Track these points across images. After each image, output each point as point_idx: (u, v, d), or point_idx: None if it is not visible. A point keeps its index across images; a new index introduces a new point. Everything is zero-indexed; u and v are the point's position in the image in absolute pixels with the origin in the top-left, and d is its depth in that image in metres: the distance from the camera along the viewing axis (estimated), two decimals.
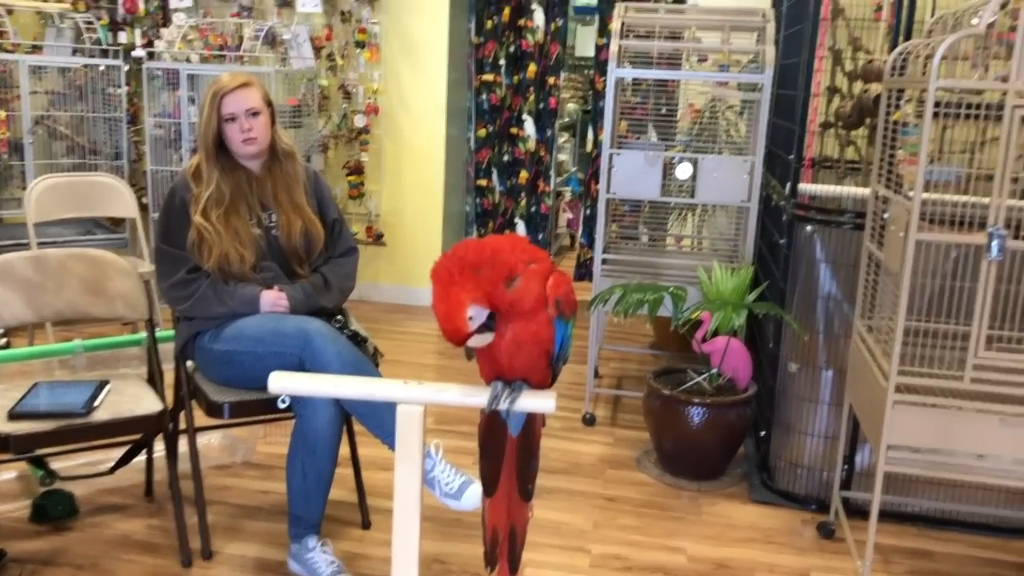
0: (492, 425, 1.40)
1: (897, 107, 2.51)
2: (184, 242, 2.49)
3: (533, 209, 5.54)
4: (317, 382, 1.34)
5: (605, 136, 3.44)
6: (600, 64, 5.25)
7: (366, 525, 2.70)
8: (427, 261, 4.88)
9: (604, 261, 3.52)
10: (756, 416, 3.13)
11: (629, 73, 3.41)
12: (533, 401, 1.32)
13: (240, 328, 2.44)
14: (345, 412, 2.42)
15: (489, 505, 1.45)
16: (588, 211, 5.38)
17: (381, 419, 2.33)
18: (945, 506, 2.77)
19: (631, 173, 3.36)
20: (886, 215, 2.39)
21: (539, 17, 5.27)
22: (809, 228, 2.86)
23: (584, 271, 5.37)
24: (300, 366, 2.35)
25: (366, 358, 2.46)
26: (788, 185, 3.00)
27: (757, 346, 3.33)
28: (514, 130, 5.44)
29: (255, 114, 2.50)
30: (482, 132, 5.41)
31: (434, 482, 2.34)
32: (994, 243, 1.99)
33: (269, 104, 2.56)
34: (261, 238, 2.54)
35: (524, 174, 5.47)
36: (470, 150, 5.47)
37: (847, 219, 2.82)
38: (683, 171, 3.28)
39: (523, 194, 5.51)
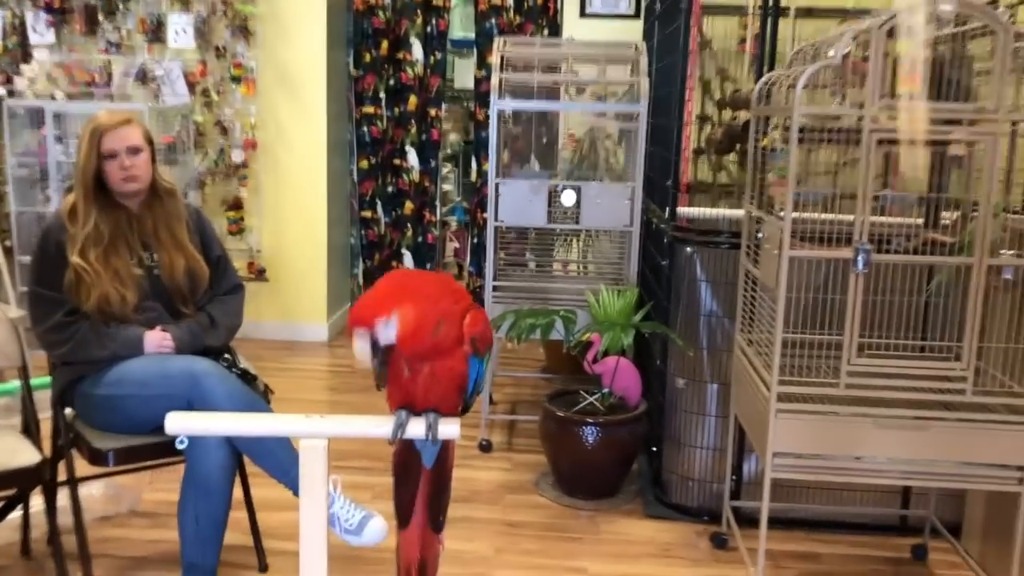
0: (406, 457, 1.41)
1: (765, 133, 2.65)
2: (60, 284, 2.39)
3: (420, 239, 5.55)
4: (217, 421, 1.32)
5: (490, 166, 3.49)
6: (480, 96, 5.33)
7: (263, 568, 2.63)
8: (311, 295, 4.79)
9: (495, 288, 3.56)
10: (647, 432, 3.22)
11: (511, 105, 3.48)
12: (441, 428, 1.33)
13: (123, 371, 2.36)
14: (237, 453, 2.36)
15: (402, 538, 1.45)
16: (476, 240, 5.43)
17: (277, 458, 2.30)
18: (828, 509, 2.90)
19: (518, 201, 3.42)
20: (760, 235, 2.51)
21: (417, 50, 5.31)
22: (689, 249, 2.98)
23: (478, 299, 5.39)
24: (189, 408, 2.28)
25: (258, 397, 2.42)
26: (667, 209, 3.12)
27: (645, 364, 3.43)
28: (397, 161, 5.45)
29: (136, 151, 2.43)
30: (364, 164, 5.40)
31: (334, 518, 2.31)
32: (860, 257, 2.13)
33: (150, 141, 2.50)
34: (143, 278, 2.47)
35: (409, 205, 5.48)
36: (353, 182, 5.44)
37: (724, 240, 2.95)
38: (567, 198, 3.36)
39: (409, 225, 5.51)
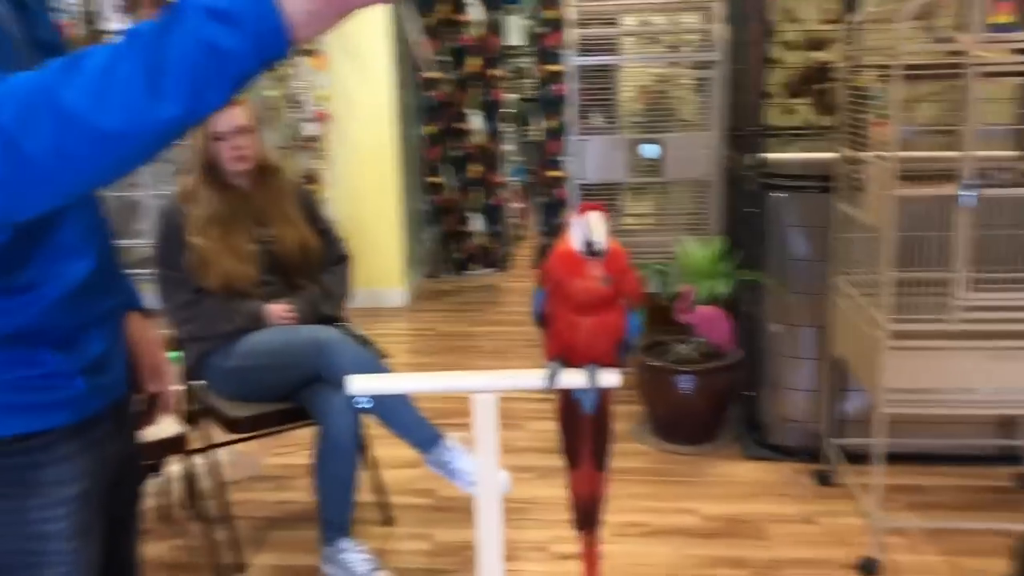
0: (568, 405, 1.50)
1: (857, 73, 2.66)
2: (183, 264, 2.50)
3: (488, 202, 5.62)
4: (395, 381, 1.41)
5: (570, 124, 3.52)
6: (542, 52, 5.34)
7: (388, 522, 2.76)
8: (389, 262, 4.88)
9: None
10: (742, 378, 3.27)
11: (590, 60, 3.51)
12: (602, 377, 1.41)
13: (251, 344, 2.48)
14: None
15: (573, 477, 1.55)
16: (545, 199, 5.47)
17: (402, 419, 2.41)
18: (927, 442, 2.94)
19: (600, 158, 3.46)
20: (857, 176, 2.54)
21: (475, 11, 5.34)
22: (779, 195, 3.01)
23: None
24: (317, 375, 2.41)
25: (379, 361, 2.52)
26: (752, 155, 3.14)
27: (733, 312, 3.47)
28: (462, 125, 5.51)
29: (244, 132, 2.53)
30: (431, 129, 5.46)
31: (458, 473, 2.42)
32: (967, 193, 2.15)
33: (256, 122, 2.59)
34: (260, 253, 2.57)
35: (475, 167, 5.55)
36: (421, 148, 5.52)
37: (813, 183, 2.97)
38: (650, 151, 3.40)
39: (476, 188, 5.58)
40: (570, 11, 3.50)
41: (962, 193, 2.18)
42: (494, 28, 5.38)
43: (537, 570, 2.50)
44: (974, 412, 2.32)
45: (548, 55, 5.28)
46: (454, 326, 4.92)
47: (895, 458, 2.93)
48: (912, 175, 2.31)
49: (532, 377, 1.43)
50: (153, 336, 1.43)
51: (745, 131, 3.43)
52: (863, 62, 2.60)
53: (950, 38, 2.29)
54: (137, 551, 1.43)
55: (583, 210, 1.37)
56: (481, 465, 1.44)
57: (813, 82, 3.65)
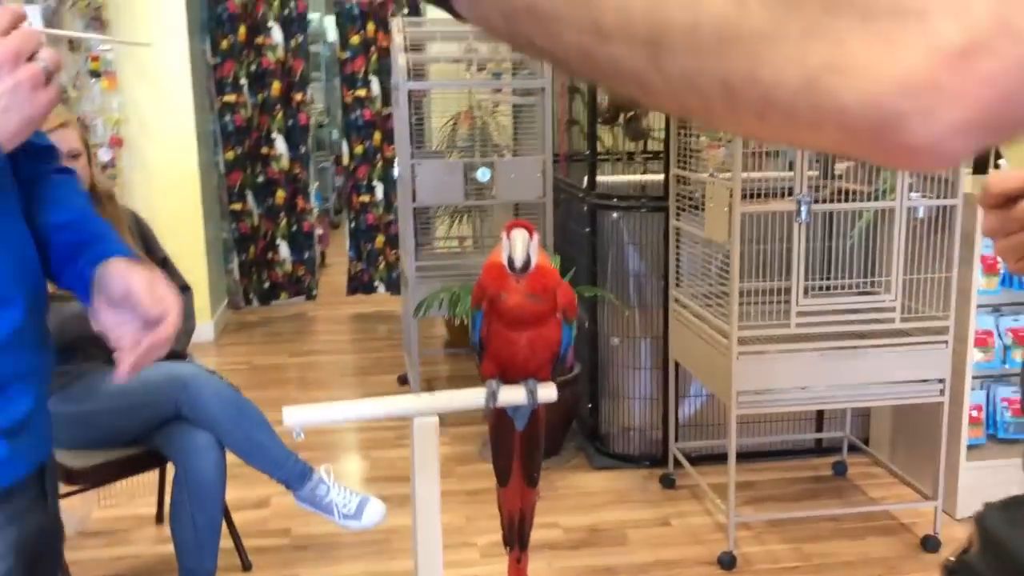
0: (500, 422, 1.50)
1: None
2: None
3: (295, 228, 5.46)
4: (335, 410, 1.35)
5: (402, 148, 3.51)
6: (347, 77, 5.28)
7: (247, 566, 2.60)
8: (194, 296, 4.59)
9: (417, 268, 3.61)
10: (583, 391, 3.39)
11: (421, 85, 3.52)
12: (540, 392, 1.43)
13: (94, 385, 2.27)
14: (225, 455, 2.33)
15: (503, 494, 1.55)
16: (353, 225, 5.39)
17: (270, 454, 2.30)
18: (757, 440, 3.19)
19: (433, 181, 3.47)
20: (697, 195, 2.72)
21: (277, 34, 5.20)
22: (614, 215, 3.16)
23: (358, 284, 5.37)
24: (176, 414, 2.25)
25: (240, 394, 2.39)
26: (585, 178, 3.29)
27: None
28: (265, 150, 5.32)
29: (75, 156, 2.32)
30: (230, 155, 5.24)
31: (331, 507, 2.34)
32: (802, 208, 2.37)
33: (87, 145, 2.39)
34: None
35: (281, 193, 5.38)
36: (220, 174, 5.27)
37: (644, 203, 3.16)
38: (483, 175, 3.45)
39: (282, 214, 5.41)
40: (398, 36, 3.50)
41: (802, 208, 2.40)
42: (297, 51, 5.26)
43: None
44: (810, 408, 2.55)
45: (353, 80, 5.24)
46: (268, 358, 4.73)
47: (720, 458, 3.17)
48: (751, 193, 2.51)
49: (472, 396, 1.43)
50: (149, 277, 1.07)
51: (558, 156, 3.58)
52: None
53: None
54: None
55: (508, 227, 1.39)
56: (422, 489, 1.41)
57: (623, 110, 3.85)
